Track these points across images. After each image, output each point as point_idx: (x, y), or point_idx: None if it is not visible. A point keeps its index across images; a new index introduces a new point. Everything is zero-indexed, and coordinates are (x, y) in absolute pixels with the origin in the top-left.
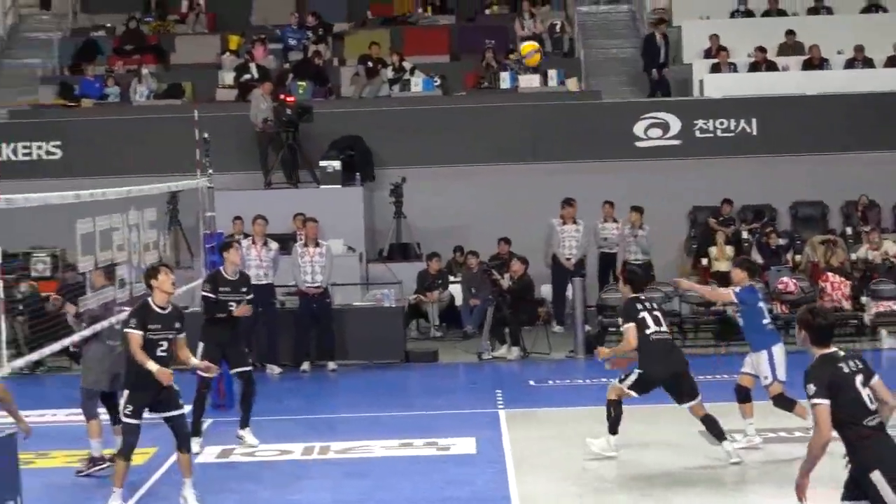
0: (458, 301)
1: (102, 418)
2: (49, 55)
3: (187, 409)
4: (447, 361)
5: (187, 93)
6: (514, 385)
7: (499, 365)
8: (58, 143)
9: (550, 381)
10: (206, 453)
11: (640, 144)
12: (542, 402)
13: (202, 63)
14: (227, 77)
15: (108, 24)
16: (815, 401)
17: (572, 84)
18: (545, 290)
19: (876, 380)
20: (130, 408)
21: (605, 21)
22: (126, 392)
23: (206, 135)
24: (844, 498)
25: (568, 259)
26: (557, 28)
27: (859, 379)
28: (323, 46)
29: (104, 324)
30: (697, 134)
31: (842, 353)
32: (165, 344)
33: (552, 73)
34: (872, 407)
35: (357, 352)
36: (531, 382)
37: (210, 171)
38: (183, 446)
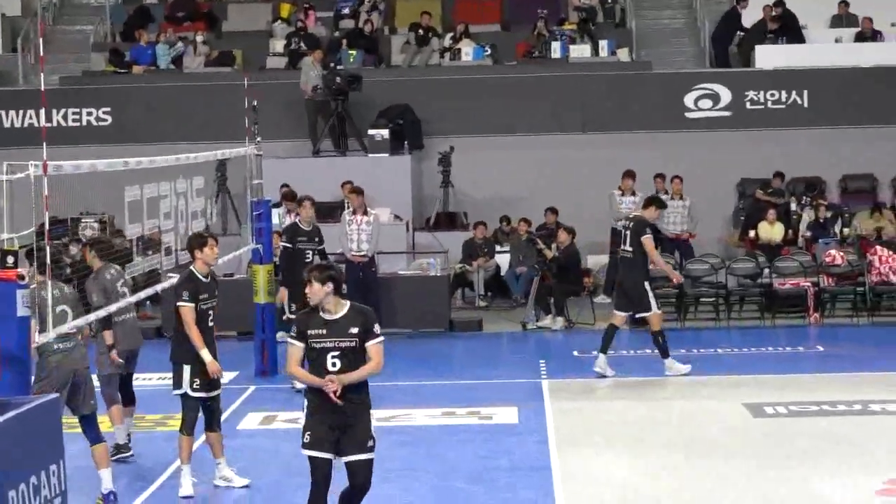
0: (504, 270)
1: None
2: (101, 22)
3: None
4: (491, 331)
5: (238, 60)
6: (558, 355)
7: (543, 335)
8: (107, 109)
9: (594, 352)
10: (248, 419)
11: (690, 115)
12: (586, 372)
13: (253, 30)
14: (278, 45)
15: None
16: None
17: (623, 54)
18: (591, 261)
19: None
20: (198, 381)
21: None
22: (187, 367)
23: (255, 102)
24: None
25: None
26: None
27: None
28: (374, 14)
29: (111, 308)
30: (748, 105)
31: None
32: (212, 314)
33: (603, 43)
34: None
35: (402, 320)
36: (575, 353)
37: (258, 138)
38: (215, 425)
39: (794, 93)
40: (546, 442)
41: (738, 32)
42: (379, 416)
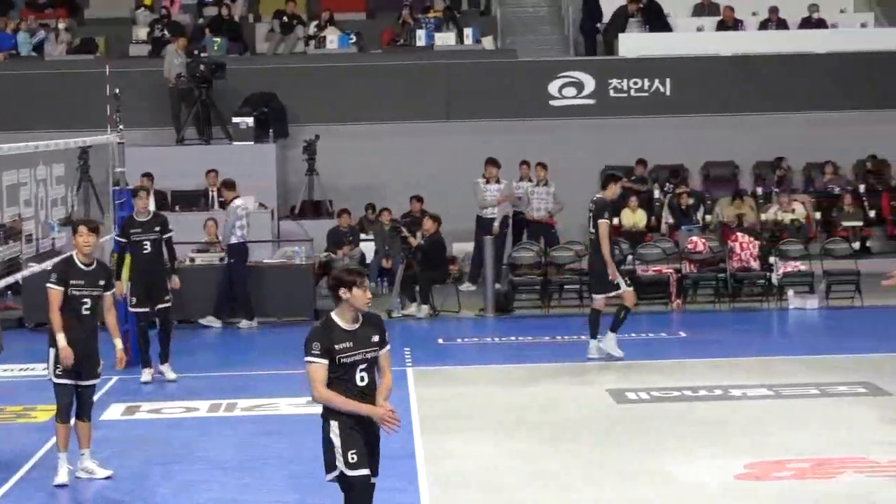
0: (370, 258)
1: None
2: None
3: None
4: None
5: (100, 48)
6: (423, 343)
7: (408, 323)
8: None
9: (459, 340)
10: (111, 410)
11: (554, 103)
12: (451, 360)
13: (116, 18)
14: (141, 32)
15: None
16: None
17: (488, 42)
18: (457, 249)
19: None
20: (60, 367)
21: None
22: (52, 351)
23: (116, 90)
24: None
25: (491, 218)
26: None
27: None
28: (239, 2)
29: None
30: (611, 93)
31: None
32: (89, 302)
33: (468, 31)
34: None
35: (267, 309)
36: (440, 341)
37: (121, 126)
38: (84, 414)
39: (656, 81)
40: (411, 429)
41: (599, 21)
42: (243, 406)
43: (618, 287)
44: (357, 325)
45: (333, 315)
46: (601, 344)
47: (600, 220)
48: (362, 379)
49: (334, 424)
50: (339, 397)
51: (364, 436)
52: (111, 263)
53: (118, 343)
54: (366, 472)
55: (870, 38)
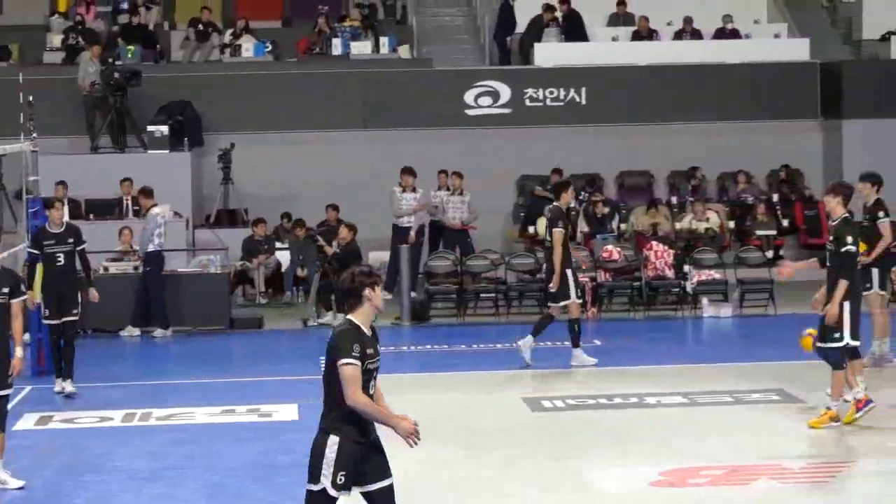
0: (285, 267)
1: None
2: None
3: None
4: (272, 328)
5: (14, 54)
6: None
7: (325, 332)
8: None
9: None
10: (25, 419)
11: (470, 112)
12: None
13: (30, 24)
14: (56, 39)
15: None
16: None
17: (404, 51)
18: (373, 257)
19: None
20: None
21: None
22: None
23: (30, 98)
24: None
25: (407, 227)
26: None
27: None
28: (154, 9)
29: None
30: (527, 103)
31: None
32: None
33: (384, 40)
34: None
35: (182, 318)
36: None
37: (34, 134)
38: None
39: (572, 90)
40: None
41: (513, 32)
42: (157, 415)
43: (567, 297)
44: (370, 332)
45: (354, 319)
46: (572, 361)
47: (555, 230)
48: (372, 387)
49: (334, 439)
50: (374, 405)
51: (365, 447)
52: (23, 273)
53: (18, 351)
54: (348, 494)
55: (783, 49)
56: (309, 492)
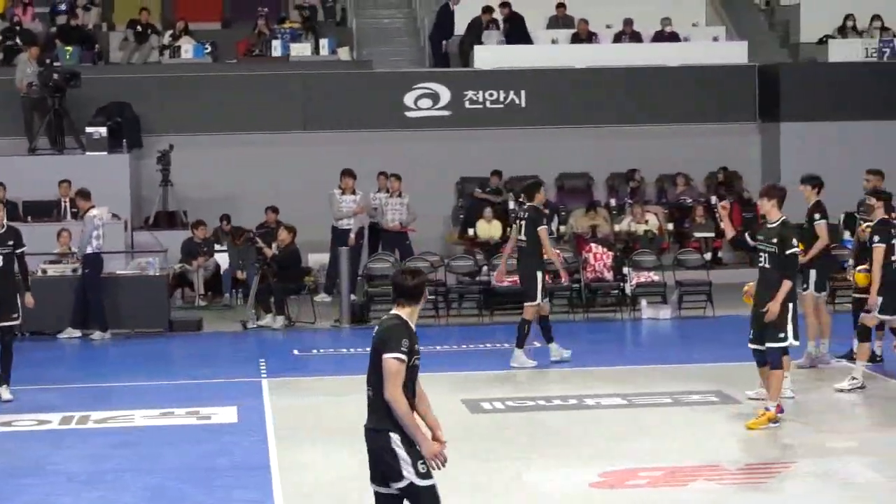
0: (224, 269)
1: None
2: None
3: None
4: (211, 330)
5: None
6: (278, 354)
7: (264, 334)
8: None
9: (315, 351)
10: None
11: (410, 115)
12: (306, 371)
13: None
14: None
15: None
16: None
17: (344, 53)
18: (312, 260)
19: None
20: None
21: None
22: None
23: None
24: None
25: (347, 229)
26: None
27: None
28: (92, 10)
29: None
30: (467, 105)
31: None
32: None
33: (323, 41)
34: None
35: (121, 320)
36: (295, 352)
37: None
38: None
39: (511, 93)
40: (265, 440)
41: (450, 35)
42: (96, 418)
43: (532, 298)
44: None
45: (403, 315)
46: (512, 362)
47: (539, 228)
48: (414, 384)
49: (395, 437)
50: (409, 413)
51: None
52: None
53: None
54: (434, 481)
55: (721, 52)
56: (400, 489)
